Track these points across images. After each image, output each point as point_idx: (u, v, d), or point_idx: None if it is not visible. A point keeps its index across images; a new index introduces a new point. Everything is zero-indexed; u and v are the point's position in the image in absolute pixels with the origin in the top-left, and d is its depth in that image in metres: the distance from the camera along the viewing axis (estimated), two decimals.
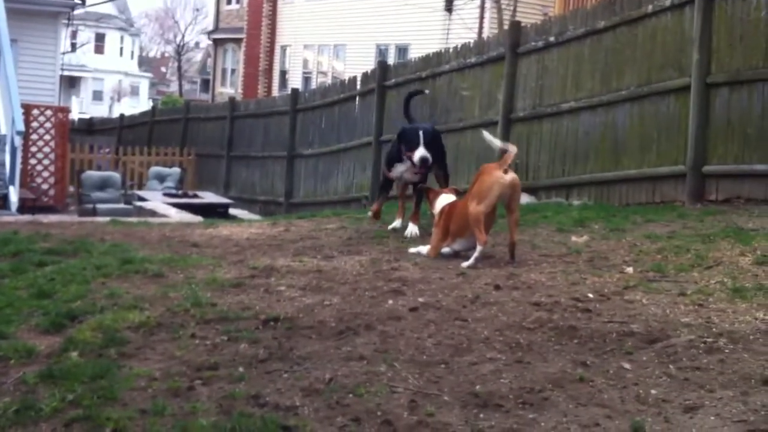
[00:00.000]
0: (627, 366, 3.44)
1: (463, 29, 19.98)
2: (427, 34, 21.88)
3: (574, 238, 6.11)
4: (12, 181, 12.44)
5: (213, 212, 12.09)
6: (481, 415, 3.07)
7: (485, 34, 18.82)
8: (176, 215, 10.59)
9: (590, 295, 4.48)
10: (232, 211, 13.55)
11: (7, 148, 12.73)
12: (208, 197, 14.71)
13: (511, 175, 5.58)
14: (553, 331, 3.93)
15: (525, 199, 9.42)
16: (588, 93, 9.19)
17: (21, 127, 12.59)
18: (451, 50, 12.01)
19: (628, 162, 8.58)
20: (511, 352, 3.69)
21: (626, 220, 6.64)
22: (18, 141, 12.58)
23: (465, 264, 5.43)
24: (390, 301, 4.56)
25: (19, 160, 12.82)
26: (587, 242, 5.95)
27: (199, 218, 9.89)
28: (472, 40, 12.71)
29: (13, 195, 12.32)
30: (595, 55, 9.22)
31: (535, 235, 6.36)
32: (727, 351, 3.51)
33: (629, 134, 8.63)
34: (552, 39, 9.78)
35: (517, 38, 10.36)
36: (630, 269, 5.01)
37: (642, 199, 8.27)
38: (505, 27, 13.69)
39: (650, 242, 5.67)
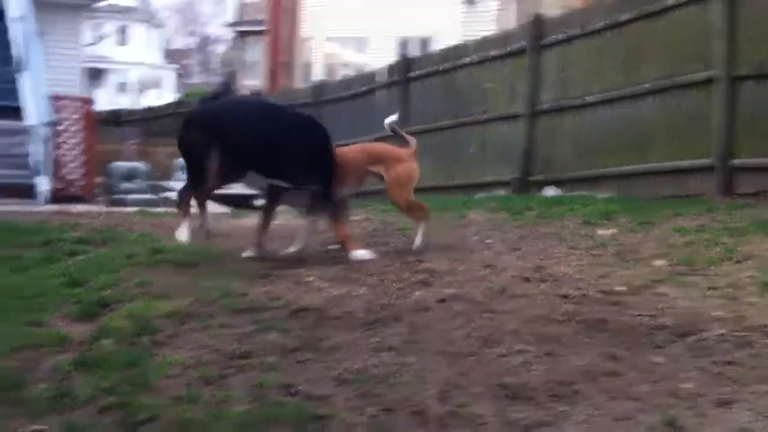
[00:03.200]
0: (658, 359, 3.43)
1: (486, 21, 19.90)
2: (450, 26, 21.82)
3: (600, 231, 6.10)
4: (41, 172, 12.55)
5: (240, 203, 12.11)
6: (512, 407, 3.08)
7: (508, 27, 18.73)
8: None
9: (619, 288, 4.47)
10: (258, 202, 13.56)
11: (36, 138, 12.84)
12: (236, 188, 14.70)
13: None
14: (583, 323, 3.92)
15: (551, 191, 9.40)
16: (611, 85, 9.14)
17: (50, 118, 12.70)
18: (473, 42, 11.98)
19: (653, 155, 8.53)
20: (541, 345, 3.68)
21: (653, 213, 6.60)
22: (47, 132, 12.69)
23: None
24: (417, 293, 4.57)
25: (48, 150, 12.93)
26: (614, 235, 5.93)
27: (225, 209, 9.94)
28: (494, 32, 12.66)
29: (43, 185, 12.43)
30: (617, 48, 9.16)
31: (562, 228, 6.34)
32: (759, 345, 3.49)
33: (654, 127, 8.57)
34: (575, 31, 9.73)
35: (539, 31, 10.31)
36: (659, 262, 4.98)
37: (668, 193, 8.22)
38: (528, 20, 13.62)
39: (679, 235, 5.64)
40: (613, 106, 9.08)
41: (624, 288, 4.48)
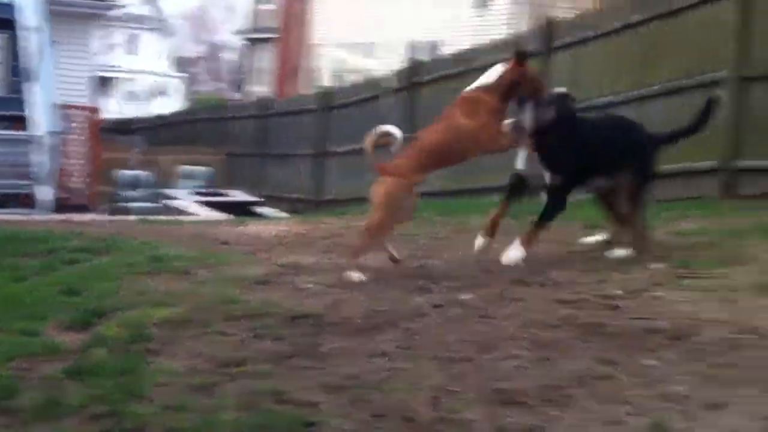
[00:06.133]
0: (652, 363, 3.40)
1: (496, 25, 19.89)
2: (460, 30, 21.80)
3: (601, 234, 6.04)
4: (46, 181, 12.64)
5: (242, 210, 12.17)
6: (505, 412, 3.06)
7: (519, 30, 18.71)
8: (206, 213, 10.71)
9: (617, 292, 4.44)
10: (261, 209, 13.64)
11: (43, 148, 12.94)
12: (238, 195, 14.84)
13: None
14: (579, 328, 3.89)
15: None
16: (623, 87, 9.11)
17: (56, 127, 12.78)
18: (484, 46, 11.98)
19: (661, 157, 8.47)
20: (536, 350, 3.66)
21: (655, 216, 6.54)
22: (54, 141, 12.78)
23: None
24: (416, 298, 4.56)
25: (54, 160, 13.01)
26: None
27: (228, 216, 9.97)
28: (505, 36, 12.66)
29: (48, 194, 12.52)
30: (630, 49, 9.13)
31: (563, 232, 6.30)
32: (752, 348, 3.45)
33: (664, 129, 8.51)
34: (587, 33, 9.70)
35: (551, 33, 10.30)
36: (658, 265, 4.94)
37: (674, 195, 8.17)
38: (539, 22, 13.60)
39: (680, 238, 5.60)
40: (625, 107, 9.03)
41: (622, 291, 4.45)
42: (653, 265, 4.93)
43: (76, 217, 9.40)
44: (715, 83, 7.86)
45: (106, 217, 10.27)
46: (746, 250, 4.96)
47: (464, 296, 4.54)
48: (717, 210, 6.68)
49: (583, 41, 9.75)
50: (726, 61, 7.73)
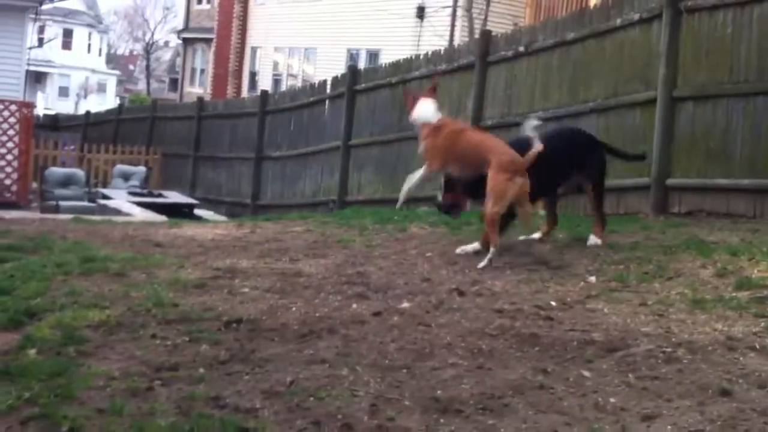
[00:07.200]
0: (587, 374, 3.47)
1: (434, 36, 20.04)
2: (399, 40, 21.91)
3: (537, 247, 6.15)
4: None
5: (178, 212, 12.00)
6: (441, 420, 3.08)
7: (456, 42, 18.89)
8: (140, 214, 10.51)
9: (553, 304, 4.51)
10: (197, 211, 13.46)
11: None
12: (173, 197, 14.63)
13: (521, 179, 5.64)
14: (515, 338, 3.95)
15: None
16: (555, 103, 9.27)
17: None
18: (421, 57, 12.07)
19: None
20: (473, 358, 3.70)
21: (589, 230, 6.68)
22: None
23: (480, 264, 5.48)
24: (354, 305, 4.56)
25: None
26: (550, 251, 5.99)
27: (163, 218, 9.82)
28: (442, 48, 12.78)
29: None
30: (563, 66, 9.30)
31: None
32: (685, 361, 3.55)
33: None
34: (521, 49, 9.85)
35: (487, 47, 10.43)
36: (592, 278, 5.05)
37: (606, 210, 8.32)
38: (476, 36, 13.76)
39: (613, 252, 5.72)
40: (558, 123, 9.19)
41: (557, 303, 4.52)
42: (588, 278, 5.03)
43: (6, 214, 9.13)
44: (647, 102, 8.06)
45: (36, 216, 9.99)
46: (678, 266, 5.10)
47: (403, 304, 4.56)
48: (650, 226, 6.84)
49: (517, 56, 9.90)
50: (656, 82, 7.92)
